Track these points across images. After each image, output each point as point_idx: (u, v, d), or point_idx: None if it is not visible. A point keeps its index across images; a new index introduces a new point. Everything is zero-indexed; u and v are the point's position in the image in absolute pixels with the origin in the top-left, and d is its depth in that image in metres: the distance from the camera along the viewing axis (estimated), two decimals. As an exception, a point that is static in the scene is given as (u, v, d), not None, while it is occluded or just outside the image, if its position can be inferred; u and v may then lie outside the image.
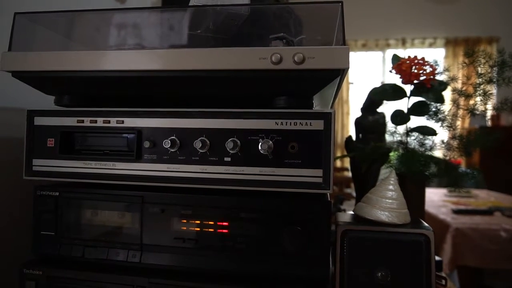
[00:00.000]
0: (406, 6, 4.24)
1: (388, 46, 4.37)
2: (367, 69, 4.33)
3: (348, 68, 0.48)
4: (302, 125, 0.51)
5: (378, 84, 0.89)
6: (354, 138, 0.95)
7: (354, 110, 4.37)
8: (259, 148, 0.51)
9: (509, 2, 4.04)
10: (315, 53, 0.47)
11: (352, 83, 4.41)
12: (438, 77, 0.80)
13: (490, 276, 1.87)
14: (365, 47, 4.39)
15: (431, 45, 4.29)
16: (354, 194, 0.94)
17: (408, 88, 0.81)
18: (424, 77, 0.77)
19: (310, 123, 0.51)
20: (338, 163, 3.66)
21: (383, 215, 0.55)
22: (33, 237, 0.59)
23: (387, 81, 0.88)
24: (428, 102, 0.80)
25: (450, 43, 4.22)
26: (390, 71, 0.81)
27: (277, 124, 0.51)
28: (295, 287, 0.52)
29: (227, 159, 0.52)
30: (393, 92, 0.82)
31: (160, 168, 0.54)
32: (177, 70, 0.51)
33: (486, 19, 4.10)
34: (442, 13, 4.19)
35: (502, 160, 3.18)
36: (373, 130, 0.90)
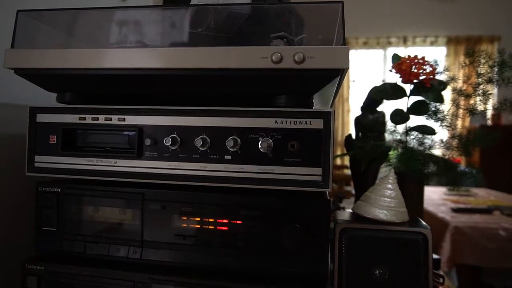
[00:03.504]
0: (408, 4, 4.23)
1: (389, 44, 4.37)
2: (368, 67, 4.33)
3: (348, 68, 0.48)
4: (302, 124, 0.51)
5: (379, 83, 0.89)
6: (354, 136, 0.95)
7: (355, 108, 4.37)
8: (259, 146, 0.52)
9: (511, 1, 4.03)
10: (315, 52, 0.48)
11: (353, 81, 4.40)
12: (438, 77, 0.80)
13: (489, 274, 1.88)
14: (366, 45, 4.38)
15: (432, 44, 4.28)
16: (354, 192, 0.95)
17: (408, 87, 0.81)
18: (424, 76, 0.77)
19: (310, 122, 0.51)
20: (338, 161, 3.67)
21: (382, 214, 0.55)
22: (35, 233, 0.60)
23: (388, 79, 0.88)
24: (428, 102, 0.80)
25: (452, 42, 4.22)
26: (390, 70, 0.81)
27: (277, 123, 0.52)
28: (294, 284, 0.52)
29: (228, 157, 0.53)
30: (393, 91, 0.82)
31: (161, 165, 0.55)
32: (178, 69, 0.52)
33: (487, 18, 4.09)
34: (443, 11, 4.18)
35: (502, 158, 3.18)
36: (372, 129, 0.90)
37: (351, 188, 3.00)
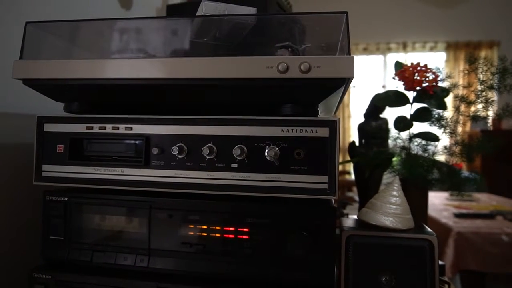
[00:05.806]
0: (407, 10, 4.26)
1: (389, 50, 4.39)
2: (368, 73, 4.35)
3: (353, 77, 0.49)
4: (307, 132, 0.52)
5: (380, 88, 0.90)
6: (357, 143, 0.96)
7: (356, 114, 4.38)
8: (266, 154, 0.52)
9: (510, 6, 4.06)
10: (321, 62, 0.48)
11: (354, 87, 4.42)
12: (440, 84, 0.81)
13: (492, 280, 1.87)
14: (366, 50, 4.40)
15: (432, 49, 4.30)
16: (355, 197, 0.95)
17: (410, 94, 0.82)
18: (427, 84, 0.78)
19: (316, 130, 0.52)
20: (340, 167, 3.67)
21: (387, 221, 0.55)
22: (42, 241, 0.60)
23: (388, 85, 0.89)
24: (431, 109, 0.81)
25: (451, 47, 4.24)
26: (393, 78, 0.82)
27: (283, 131, 0.52)
28: (301, 292, 0.52)
29: (234, 165, 0.53)
30: (396, 98, 0.83)
31: (168, 174, 0.55)
32: (184, 79, 0.52)
33: (486, 23, 4.11)
34: (443, 17, 4.21)
35: (504, 163, 3.18)
36: (376, 136, 0.90)
37: (353, 194, 3.00)
